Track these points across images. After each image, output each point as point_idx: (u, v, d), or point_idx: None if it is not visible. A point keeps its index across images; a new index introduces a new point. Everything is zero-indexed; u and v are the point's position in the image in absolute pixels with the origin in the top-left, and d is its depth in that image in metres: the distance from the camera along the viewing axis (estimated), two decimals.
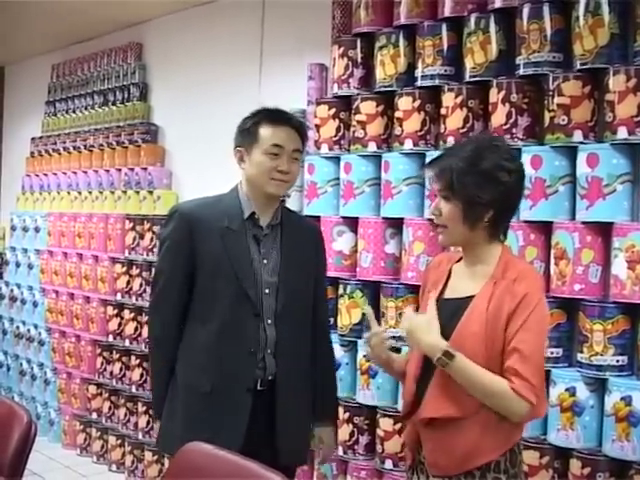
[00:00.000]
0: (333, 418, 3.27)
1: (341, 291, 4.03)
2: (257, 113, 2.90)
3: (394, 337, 3.53)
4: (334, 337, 3.99)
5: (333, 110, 4.15)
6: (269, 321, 2.84)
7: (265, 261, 2.86)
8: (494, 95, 3.49)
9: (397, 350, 2.88)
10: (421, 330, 2.35)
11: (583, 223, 3.21)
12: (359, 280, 3.97)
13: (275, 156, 2.82)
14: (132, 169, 5.87)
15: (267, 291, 2.85)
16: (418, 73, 3.81)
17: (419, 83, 3.80)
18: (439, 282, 2.51)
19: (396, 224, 3.86)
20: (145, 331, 5.25)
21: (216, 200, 2.95)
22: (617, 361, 3.12)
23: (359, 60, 4.08)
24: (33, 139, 7.29)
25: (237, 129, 2.94)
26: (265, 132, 2.84)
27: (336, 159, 4.13)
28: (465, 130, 3.59)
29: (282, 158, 2.83)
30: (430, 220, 3.66)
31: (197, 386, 2.82)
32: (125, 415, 5.62)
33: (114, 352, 5.75)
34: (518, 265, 2.41)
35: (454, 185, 2.37)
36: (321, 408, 3.06)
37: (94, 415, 5.98)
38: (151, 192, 5.66)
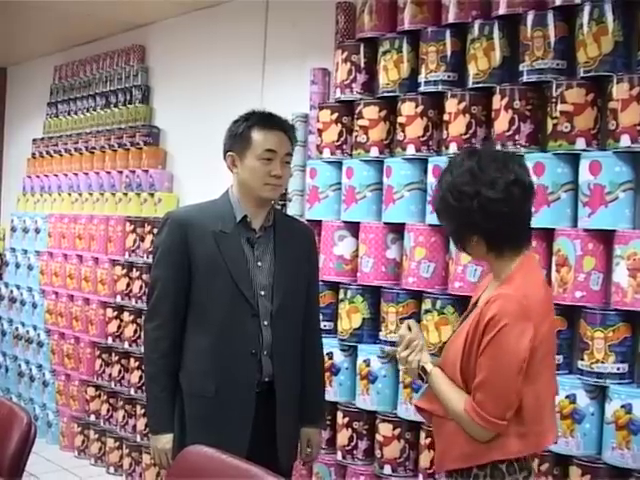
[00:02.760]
0: (321, 419, 3.29)
1: (342, 296, 4.03)
2: (248, 117, 2.91)
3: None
4: (334, 342, 4.00)
5: (336, 115, 4.16)
6: (265, 322, 2.85)
7: (259, 263, 2.88)
8: (497, 102, 3.50)
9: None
10: (415, 345, 2.44)
11: (585, 230, 3.21)
12: (360, 285, 3.97)
13: (268, 161, 2.84)
14: (133, 171, 5.87)
15: (262, 293, 2.86)
16: (421, 79, 3.81)
17: (422, 89, 3.80)
18: (477, 294, 2.53)
19: (397, 229, 3.87)
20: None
21: (208, 205, 2.97)
22: (618, 369, 3.12)
23: (362, 65, 4.08)
24: (34, 140, 7.29)
25: (227, 133, 2.94)
26: (258, 137, 2.85)
27: (338, 164, 4.13)
28: (468, 136, 3.59)
29: (275, 163, 2.84)
30: (431, 226, 3.68)
31: (202, 391, 2.82)
32: (123, 417, 5.61)
33: (113, 354, 5.74)
34: (506, 286, 2.31)
35: (436, 214, 2.46)
36: (310, 410, 3.06)
37: (92, 417, 5.97)
38: (152, 195, 5.66)
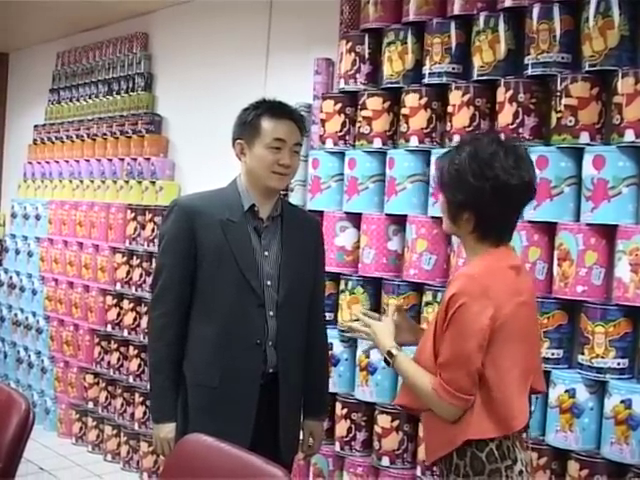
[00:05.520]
0: (324, 412, 3.29)
1: (342, 287, 4.03)
2: (258, 106, 2.88)
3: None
4: (334, 333, 4.00)
5: (339, 105, 4.14)
6: (271, 313, 2.84)
7: (266, 253, 2.86)
8: (501, 94, 3.49)
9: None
10: (378, 333, 2.56)
11: (587, 225, 3.20)
12: (361, 276, 3.96)
13: (277, 150, 2.81)
14: (135, 159, 5.86)
15: (269, 283, 2.84)
16: (425, 70, 3.79)
17: (426, 80, 3.79)
18: None
19: (399, 221, 3.86)
20: (144, 322, 5.25)
21: (216, 193, 2.94)
22: (618, 364, 3.12)
23: (366, 56, 4.07)
24: (36, 126, 7.27)
25: (237, 121, 2.91)
26: (267, 126, 2.82)
27: (341, 154, 4.12)
28: (471, 129, 3.58)
29: (284, 152, 2.82)
30: (434, 217, 3.67)
31: (206, 381, 2.80)
32: (122, 405, 5.61)
33: (112, 342, 5.74)
34: (470, 266, 2.41)
35: (439, 182, 2.49)
36: (313, 402, 3.06)
37: (90, 404, 5.97)
38: (153, 182, 5.65)
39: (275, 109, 2.86)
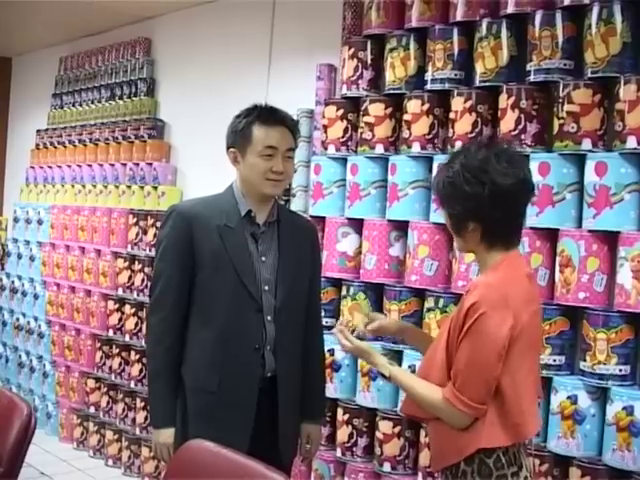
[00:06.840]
0: (322, 416, 3.29)
1: (344, 292, 4.03)
2: (249, 113, 2.87)
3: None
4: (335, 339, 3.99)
5: (341, 111, 4.15)
6: (269, 317, 2.84)
7: (263, 258, 2.87)
8: (504, 101, 3.49)
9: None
10: (361, 355, 2.70)
11: (589, 231, 3.20)
12: (362, 282, 3.96)
13: (269, 157, 2.81)
14: (137, 164, 5.86)
15: (266, 288, 2.85)
16: (428, 76, 3.80)
17: (429, 86, 3.79)
18: None
19: (401, 227, 3.86)
20: (145, 327, 5.25)
21: (213, 199, 2.95)
22: (620, 370, 3.12)
23: (369, 62, 4.07)
24: (38, 131, 7.28)
25: (229, 128, 2.92)
26: (259, 133, 2.82)
27: (343, 160, 4.13)
28: (473, 135, 3.58)
29: (276, 159, 2.82)
30: (435, 224, 3.67)
31: (205, 386, 2.80)
32: (123, 410, 5.61)
33: (114, 347, 5.73)
34: (487, 275, 2.38)
35: (438, 199, 2.50)
36: (311, 406, 3.06)
37: (92, 409, 5.97)
38: (155, 188, 5.66)
39: (266, 116, 2.86)
